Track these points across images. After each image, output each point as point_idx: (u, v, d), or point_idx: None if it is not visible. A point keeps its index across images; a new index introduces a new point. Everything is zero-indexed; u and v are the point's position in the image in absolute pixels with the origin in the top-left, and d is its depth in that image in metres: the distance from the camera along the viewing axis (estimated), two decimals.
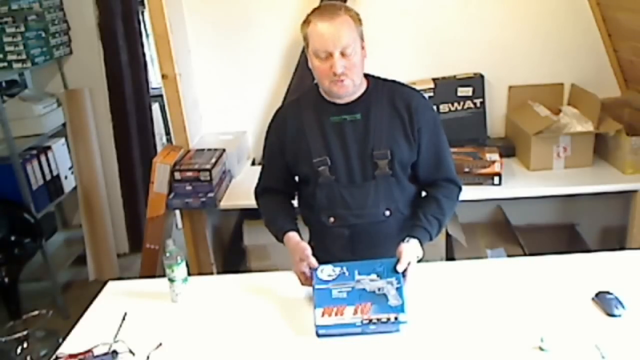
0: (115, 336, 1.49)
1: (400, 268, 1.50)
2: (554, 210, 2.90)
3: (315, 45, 1.52)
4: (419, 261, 1.57)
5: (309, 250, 1.56)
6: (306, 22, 1.55)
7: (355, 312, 1.42)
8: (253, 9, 2.68)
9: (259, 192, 1.82)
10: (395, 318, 1.40)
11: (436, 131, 1.67)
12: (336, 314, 1.42)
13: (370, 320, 1.40)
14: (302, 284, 1.57)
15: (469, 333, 1.40)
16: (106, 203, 3.40)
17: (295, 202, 1.82)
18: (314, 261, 1.55)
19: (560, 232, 2.90)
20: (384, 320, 1.40)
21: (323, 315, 1.43)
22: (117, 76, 3.20)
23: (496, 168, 2.36)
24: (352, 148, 1.62)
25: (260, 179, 1.82)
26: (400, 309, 1.42)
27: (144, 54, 3.29)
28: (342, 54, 1.51)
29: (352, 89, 1.58)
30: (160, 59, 2.47)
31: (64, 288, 3.18)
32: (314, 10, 1.57)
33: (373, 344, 1.39)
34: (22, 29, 2.97)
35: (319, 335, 1.42)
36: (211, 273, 2.55)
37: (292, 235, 1.64)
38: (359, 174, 1.63)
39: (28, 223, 2.86)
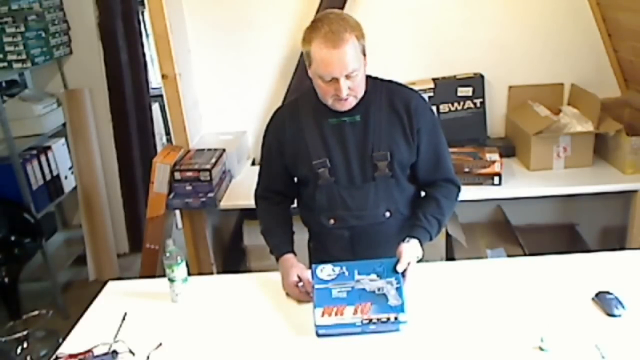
0: (115, 336, 1.48)
1: (400, 268, 1.50)
2: (554, 210, 2.90)
3: (320, 71, 1.50)
4: (418, 261, 1.57)
5: (308, 273, 1.57)
6: (307, 40, 1.50)
7: (355, 312, 1.42)
8: (253, 10, 2.68)
9: (258, 196, 1.81)
10: (395, 318, 1.40)
11: (435, 131, 1.67)
12: (336, 314, 1.42)
13: (370, 320, 1.40)
14: (300, 300, 1.57)
15: (469, 333, 1.40)
16: (106, 203, 3.40)
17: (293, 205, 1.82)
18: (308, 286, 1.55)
19: (560, 232, 2.90)
20: (384, 320, 1.40)
21: (323, 315, 1.43)
22: (117, 76, 3.20)
23: (496, 168, 2.36)
24: (351, 150, 1.62)
25: (259, 181, 1.82)
26: (400, 308, 1.41)
27: (144, 54, 3.29)
28: (347, 77, 1.50)
29: (354, 104, 1.58)
30: (160, 59, 2.47)
31: (64, 288, 3.18)
32: (315, 24, 1.50)
33: (373, 344, 1.39)
34: (22, 29, 2.97)
35: (318, 335, 1.42)
36: (211, 273, 2.55)
37: (290, 257, 1.65)
38: (359, 175, 1.63)
39: (28, 223, 2.86)
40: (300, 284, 1.58)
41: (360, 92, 1.57)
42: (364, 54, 1.54)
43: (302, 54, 1.58)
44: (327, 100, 1.56)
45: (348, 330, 1.41)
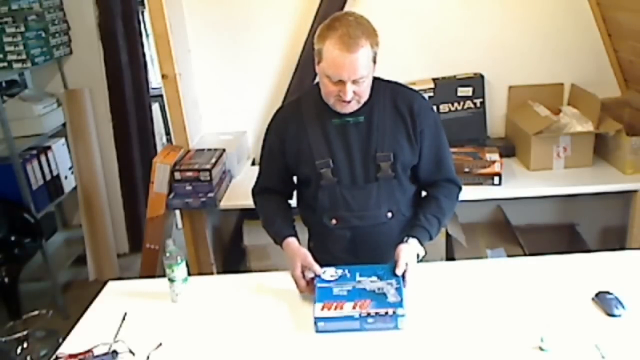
0: (115, 336, 1.49)
1: (398, 271, 1.51)
2: (554, 210, 2.90)
3: (329, 71, 1.49)
4: (419, 260, 1.57)
5: (311, 258, 1.57)
6: (322, 37, 1.49)
7: (354, 307, 1.43)
8: (253, 9, 2.68)
9: (256, 192, 1.82)
10: (394, 312, 1.41)
11: (437, 132, 1.68)
12: (335, 309, 1.43)
13: (369, 314, 1.41)
14: (301, 291, 1.58)
15: (469, 333, 1.40)
16: (106, 203, 3.40)
17: (292, 202, 1.82)
18: (318, 268, 1.56)
19: (560, 232, 2.90)
20: (382, 313, 1.41)
21: (322, 309, 1.44)
22: (117, 76, 3.20)
23: (496, 168, 2.36)
24: (355, 150, 1.61)
25: (258, 179, 1.81)
26: (399, 304, 1.42)
27: (144, 54, 3.29)
28: (354, 82, 1.49)
29: (356, 108, 1.58)
30: (160, 59, 2.47)
31: (64, 288, 3.18)
32: (333, 23, 1.48)
33: (372, 343, 1.39)
34: (22, 29, 2.97)
35: (317, 330, 1.43)
36: (211, 273, 2.55)
37: (292, 241, 1.64)
38: (362, 175, 1.63)
39: (28, 223, 2.86)
40: (308, 274, 1.57)
41: (364, 98, 1.57)
42: (374, 62, 1.53)
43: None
44: (330, 100, 1.56)
45: (346, 324, 1.41)
